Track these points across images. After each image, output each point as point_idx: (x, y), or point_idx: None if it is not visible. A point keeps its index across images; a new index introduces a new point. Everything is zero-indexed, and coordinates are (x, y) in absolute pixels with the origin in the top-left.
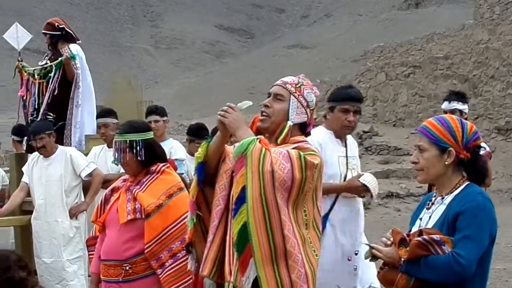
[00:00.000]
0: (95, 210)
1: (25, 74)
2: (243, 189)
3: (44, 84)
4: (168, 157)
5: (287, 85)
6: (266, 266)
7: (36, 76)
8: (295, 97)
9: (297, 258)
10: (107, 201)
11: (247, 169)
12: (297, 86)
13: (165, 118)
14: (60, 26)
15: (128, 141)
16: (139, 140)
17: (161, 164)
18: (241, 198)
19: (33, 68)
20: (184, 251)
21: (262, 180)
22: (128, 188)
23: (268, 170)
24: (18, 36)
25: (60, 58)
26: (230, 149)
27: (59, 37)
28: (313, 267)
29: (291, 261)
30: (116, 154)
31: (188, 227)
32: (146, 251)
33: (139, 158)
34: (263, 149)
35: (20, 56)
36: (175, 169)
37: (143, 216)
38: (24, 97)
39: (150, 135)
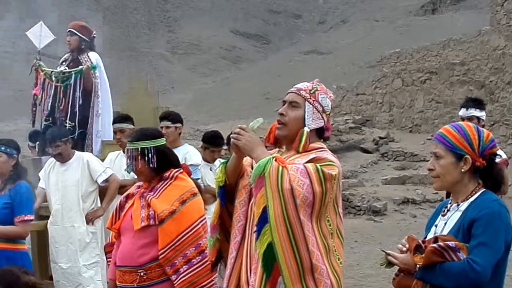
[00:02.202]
0: (110, 217)
1: (41, 73)
2: (264, 210)
3: (62, 89)
4: (183, 163)
5: (301, 92)
6: (296, 284)
7: (53, 79)
8: (310, 103)
9: (322, 270)
10: (122, 207)
11: (267, 189)
12: (311, 92)
13: (177, 125)
14: (94, 35)
15: (139, 149)
16: (150, 147)
17: (175, 170)
18: (263, 219)
19: (51, 70)
20: (200, 257)
21: (283, 199)
22: (142, 195)
23: (287, 188)
24: (41, 35)
25: (80, 67)
26: (248, 163)
27: (87, 44)
28: (338, 276)
29: (317, 274)
30: (129, 161)
31: (208, 247)
32: (160, 257)
33: (151, 165)
34: (280, 167)
35: (39, 54)
36: (189, 174)
37: (157, 223)
38: (40, 96)
39: (162, 141)
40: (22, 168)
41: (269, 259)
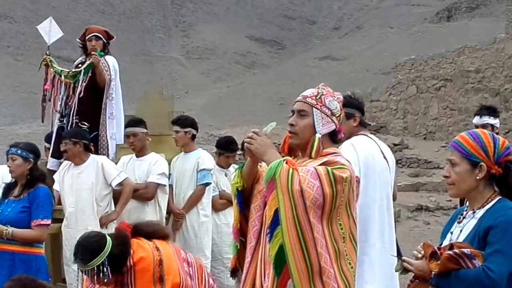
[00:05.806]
0: None
1: (51, 70)
2: (276, 212)
3: (72, 85)
4: (195, 167)
5: (307, 99)
6: (304, 286)
7: (63, 77)
8: (317, 109)
9: (330, 273)
10: None
11: (278, 192)
12: (317, 97)
13: (187, 129)
14: (112, 37)
15: (95, 268)
16: (104, 260)
17: (127, 260)
18: (275, 221)
19: (60, 69)
20: None
21: (293, 200)
22: None
23: (297, 189)
24: (50, 30)
25: (88, 62)
26: (262, 169)
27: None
28: (348, 280)
29: (325, 277)
30: (89, 280)
31: (231, 253)
32: None
33: (107, 279)
34: (291, 169)
35: (48, 49)
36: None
37: None
38: (50, 92)
39: (109, 246)
40: (40, 172)
41: (280, 261)
